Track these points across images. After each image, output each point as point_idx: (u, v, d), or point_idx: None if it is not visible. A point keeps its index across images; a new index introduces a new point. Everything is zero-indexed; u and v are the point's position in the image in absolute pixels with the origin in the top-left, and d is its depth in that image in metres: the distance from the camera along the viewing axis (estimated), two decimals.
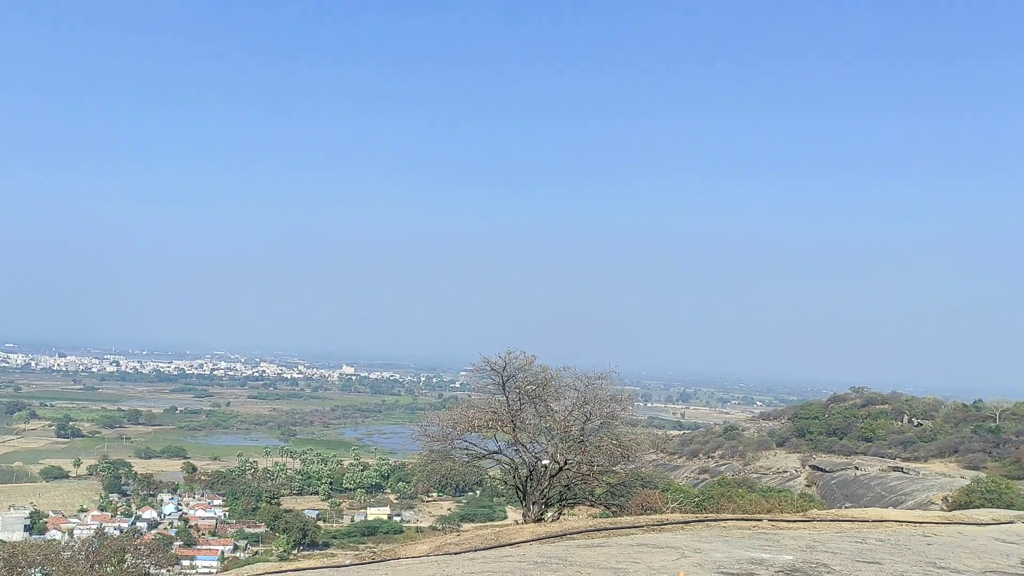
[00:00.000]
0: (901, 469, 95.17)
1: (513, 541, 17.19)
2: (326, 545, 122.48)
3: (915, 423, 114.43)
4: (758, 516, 20.41)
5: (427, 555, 16.80)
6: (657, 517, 20.46)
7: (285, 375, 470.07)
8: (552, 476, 30.67)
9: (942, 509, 56.92)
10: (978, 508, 38.68)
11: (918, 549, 15.48)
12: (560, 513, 31.55)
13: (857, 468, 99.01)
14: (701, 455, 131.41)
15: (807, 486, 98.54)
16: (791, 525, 18.76)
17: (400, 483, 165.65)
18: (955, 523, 22.17)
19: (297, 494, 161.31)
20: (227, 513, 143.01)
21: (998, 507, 40.59)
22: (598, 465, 31.21)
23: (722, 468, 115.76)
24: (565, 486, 31.69)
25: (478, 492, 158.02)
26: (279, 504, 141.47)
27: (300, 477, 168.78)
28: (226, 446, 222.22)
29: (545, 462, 30.82)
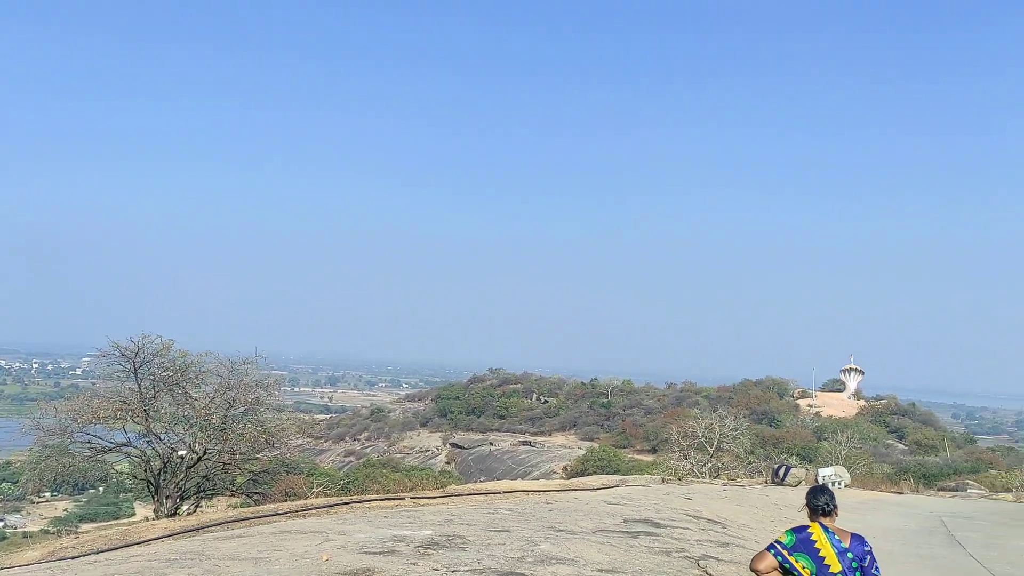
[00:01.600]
0: (529, 443, 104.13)
1: (143, 539, 15.88)
2: None
3: (542, 400, 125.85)
4: (401, 495, 21.02)
5: (39, 562, 14.89)
6: (301, 502, 20.17)
7: None
8: (189, 467, 28.95)
9: (562, 477, 63.38)
10: (592, 475, 43.51)
11: (541, 515, 16.97)
12: (197, 506, 29.89)
13: (492, 444, 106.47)
14: (348, 438, 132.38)
15: (447, 463, 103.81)
16: (431, 501, 19.57)
17: (3, 484, 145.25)
18: (573, 490, 24.72)
19: None
20: None
21: (608, 473, 46.17)
22: (240, 453, 30.10)
23: (368, 450, 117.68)
24: (204, 477, 30.11)
25: (101, 489, 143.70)
26: None
27: None
28: None
29: (182, 453, 29.00)
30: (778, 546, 5.34)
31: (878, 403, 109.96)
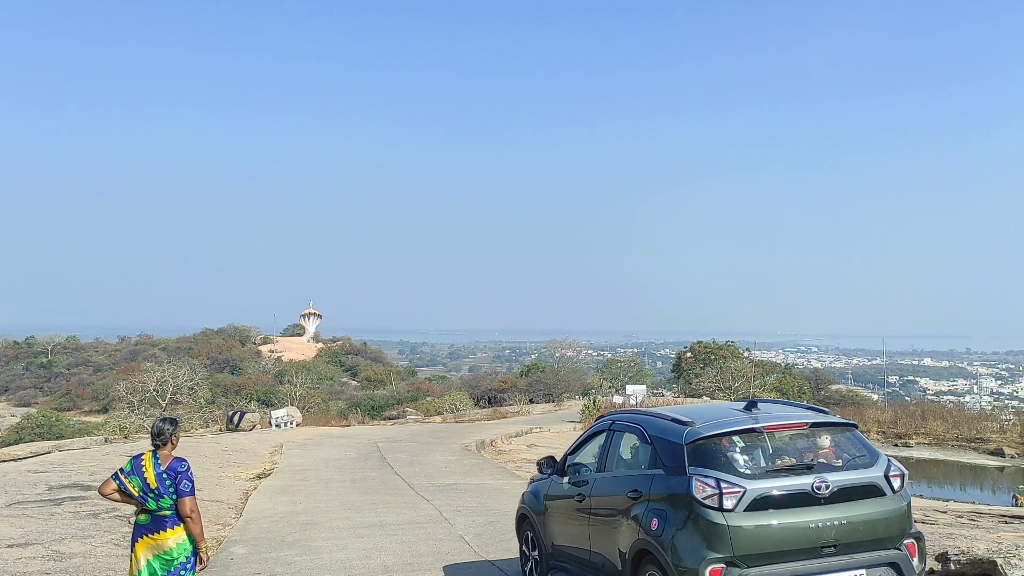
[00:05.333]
0: None
1: None
2: None
3: None
4: None
5: None
6: None
7: None
8: None
9: None
10: (29, 443, 38.61)
11: None
12: None
13: None
14: None
15: None
16: None
17: None
18: None
19: None
20: None
21: (48, 439, 41.30)
22: None
23: None
24: None
25: None
26: None
27: None
28: None
29: None
30: (119, 472, 6.43)
31: (335, 344, 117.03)
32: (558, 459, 8.44)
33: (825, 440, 6.46)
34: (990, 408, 51.34)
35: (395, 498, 16.11)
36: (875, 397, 79.29)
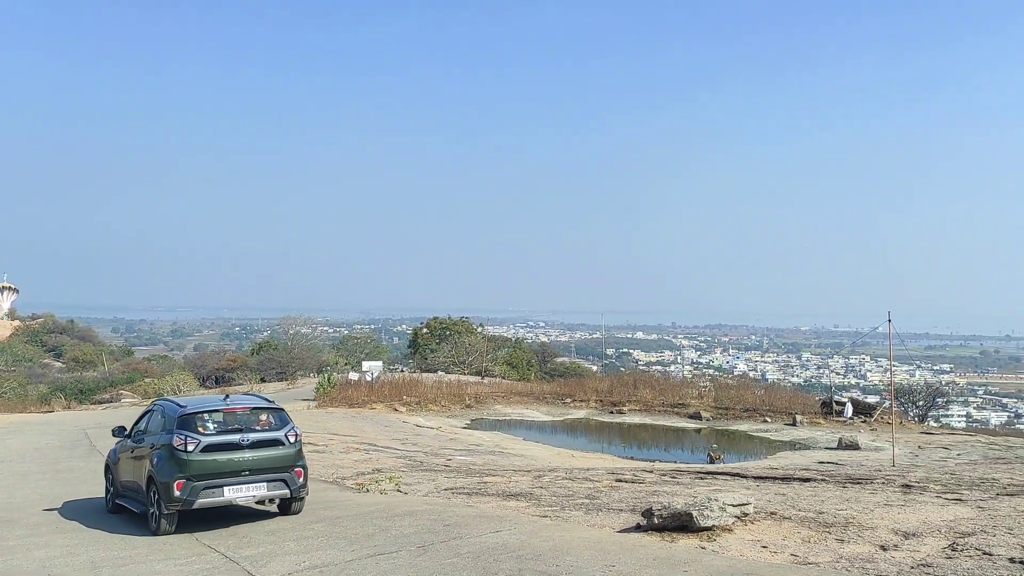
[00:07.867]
0: None
1: None
2: None
3: None
4: None
5: None
6: None
7: None
8: None
9: None
10: None
11: None
12: None
13: None
14: None
15: None
16: None
17: None
18: None
19: None
20: None
21: None
22: None
23: None
24: None
25: None
26: None
27: None
28: None
29: None
30: None
31: (35, 322, 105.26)
32: (127, 428, 12.53)
33: (264, 416, 11.27)
34: (691, 376, 57.37)
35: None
36: (594, 368, 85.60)
